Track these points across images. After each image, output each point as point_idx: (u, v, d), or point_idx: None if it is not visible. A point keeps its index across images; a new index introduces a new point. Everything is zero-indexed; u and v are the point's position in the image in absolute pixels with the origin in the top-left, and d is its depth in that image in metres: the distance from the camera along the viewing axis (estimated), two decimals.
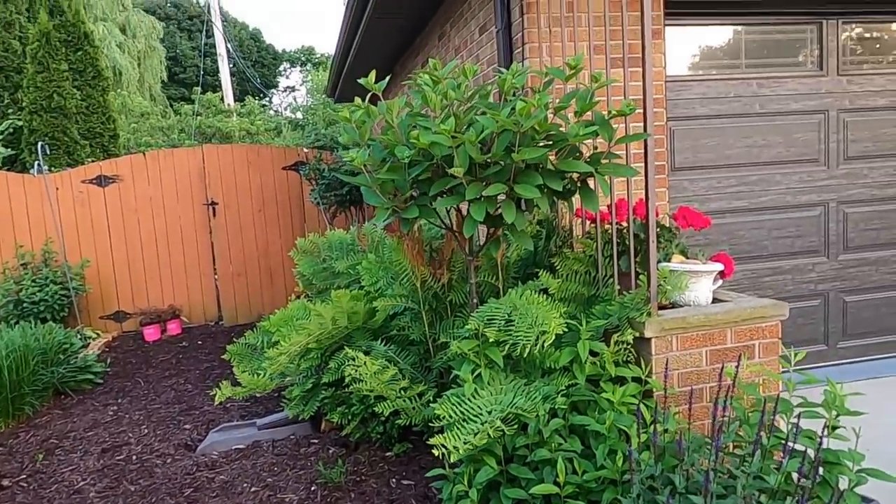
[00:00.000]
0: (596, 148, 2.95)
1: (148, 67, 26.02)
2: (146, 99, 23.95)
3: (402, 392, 2.91)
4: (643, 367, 2.68)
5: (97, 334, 7.05)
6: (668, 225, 3.19)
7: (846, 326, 4.64)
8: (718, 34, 4.31)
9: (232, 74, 27.65)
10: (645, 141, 2.74)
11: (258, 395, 4.30)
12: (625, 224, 3.18)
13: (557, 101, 2.73)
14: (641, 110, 2.87)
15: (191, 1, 31.24)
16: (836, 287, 4.59)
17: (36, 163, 6.76)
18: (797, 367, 2.75)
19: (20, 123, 8.33)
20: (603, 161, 2.69)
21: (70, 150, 8.30)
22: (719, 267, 2.94)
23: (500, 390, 2.56)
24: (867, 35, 4.52)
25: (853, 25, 4.45)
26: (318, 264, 4.18)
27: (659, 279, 2.77)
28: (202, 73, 22.12)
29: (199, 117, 18.28)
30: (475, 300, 3.02)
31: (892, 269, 4.66)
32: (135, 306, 7.44)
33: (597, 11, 3.76)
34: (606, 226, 3.19)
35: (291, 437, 3.86)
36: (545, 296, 3.09)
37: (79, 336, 6.80)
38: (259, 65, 34.08)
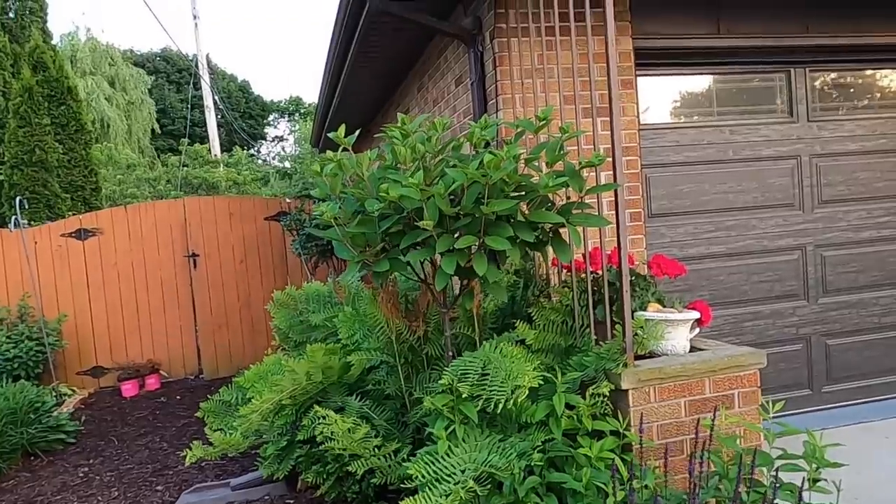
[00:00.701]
0: (569, 198, 2.95)
1: (136, 119, 26.26)
2: (135, 151, 24.06)
3: (377, 450, 2.83)
4: (621, 419, 2.62)
5: (73, 391, 6.88)
6: (643, 273, 3.17)
7: (830, 370, 4.60)
8: (690, 83, 4.39)
9: (220, 126, 27.94)
10: (615, 190, 2.74)
11: (231, 454, 4.18)
12: (601, 272, 3.17)
13: (528, 152, 2.74)
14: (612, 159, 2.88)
15: (179, 54, 31.72)
16: (818, 330, 4.58)
17: (13, 217, 6.71)
18: (781, 414, 2.70)
19: (1, 178, 8.30)
20: (574, 211, 2.69)
21: (51, 204, 8.26)
22: (695, 315, 2.91)
23: (474, 447, 2.49)
24: (836, 82, 4.62)
25: (821, 73, 4.55)
26: (294, 317, 4.12)
27: (635, 328, 2.74)
28: (189, 124, 22.33)
29: (185, 168, 18.33)
30: (451, 353, 2.97)
31: (873, 311, 4.66)
32: (113, 361, 7.29)
33: (567, 64, 3.82)
34: (583, 275, 3.17)
35: (266, 497, 3.73)
36: (523, 347, 3.06)
37: (54, 393, 6.64)
38: (247, 116, 34.48)
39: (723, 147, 4.39)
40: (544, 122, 2.69)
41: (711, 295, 4.39)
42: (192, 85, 23.84)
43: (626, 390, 2.64)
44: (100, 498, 4.08)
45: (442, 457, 2.42)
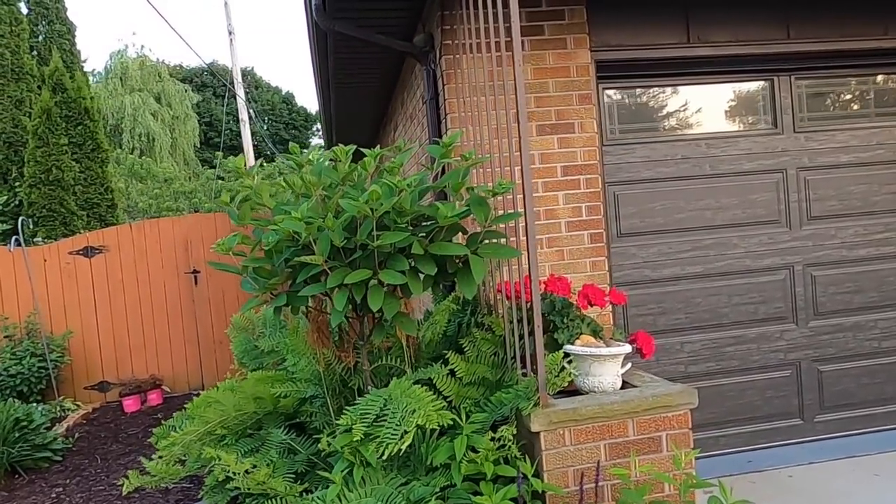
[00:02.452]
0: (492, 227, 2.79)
1: (181, 133, 27.07)
2: (178, 163, 24.81)
3: (287, 488, 2.73)
4: (532, 463, 2.45)
5: (77, 406, 7.03)
6: (574, 302, 2.99)
7: (823, 399, 4.28)
8: (662, 96, 4.16)
9: (263, 139, 28.53)
10: (525, 218, 2.56)
11: (192, 479, 4.15)
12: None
13: (439, 181, 2.61)
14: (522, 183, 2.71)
15: (225, 69, 32.57)
16: (809, 356, 4.26)
17: (13, 237, 6.92)
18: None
19: (20, 197, 8.59)
20: (484, 242, 2.54)
21: (66, 222, 8.50)
22: (625, 349, 2.72)
23: (369, 492, 2.37)
24: (825, 90, 4.31)
25: (808, 81, 4.25)
26: (250, 342, 4.07)
27: (551, 365, 2.56)
28: (223, 137, 22.84)
29: (220, 181, 18.75)
30: (369, 388, 2.85)
31: (871, 335, 4.32)
32: (118, 376, 7.43)
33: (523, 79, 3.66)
34: (519, 302, 3.01)
35: None
36: (453, 379, 2.93)
37: (59, 408, 6.80)
38: (291, 127, 35.13)
39: (699, 161, 4.14)
40: (449, 147, 2.54)
41: (688, 318, 4.14)
42: (226, 98, 24.41)
43: (538, 433, 2.47)
44: None
45: (331, 502, 2.31)
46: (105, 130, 12.63)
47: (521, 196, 2.56)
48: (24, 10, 11.06)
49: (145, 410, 7.01)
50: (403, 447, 2.27)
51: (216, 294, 7.58)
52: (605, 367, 2.67)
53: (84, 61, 12.32)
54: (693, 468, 2.54)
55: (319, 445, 2.51)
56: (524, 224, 2.56)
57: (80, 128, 8.96)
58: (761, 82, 4.19)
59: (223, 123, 24.13)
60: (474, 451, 2.46)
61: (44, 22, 11.36)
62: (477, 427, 2.51)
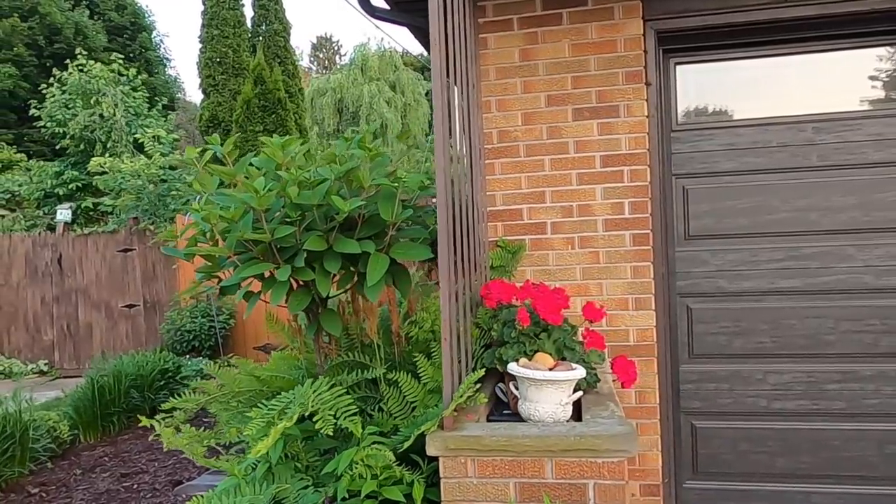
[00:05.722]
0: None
1: (412, 119, 29.03)
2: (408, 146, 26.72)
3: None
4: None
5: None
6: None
7: None
8: (749, 69, 3.40)
9: None
10: (439, 212, 2.26)
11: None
12: (508, 306, 2.68)
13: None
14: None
15: None
16: None
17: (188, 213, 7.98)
18: None
19: None
20: (401, 240, 2.32)
21: None
22: (567, 376, 2.28)
23: (259, 490, 2.33)
24: None
25: None
26: None
27: (472, 383, 2.26)
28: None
29: (426, 163, 19.81)
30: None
31: None
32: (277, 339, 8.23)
33: (555, 58, 3.27)
34: (496, 309, 2.72)
35: None
36: (417, 383, 2.77)
37: (227, 365, 7.76)
38: None
39: (802, 150, 3.33)
40: (350, 141, 2.35)
41: (776, 343, 3.38)
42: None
43: (437, 457, 2.21)
44: (156, 464, 4.70)
45: (223, 494, 2.31)
46: (311, 117, 13.81)
47: (444, 184, 2.27)
48: (250, 13, 12.64)
49: None
50: (263, 450, 2.18)
51: None
52: (542, 392, 2.28)
53: (294, 56, 13.63)
54: None
55: (230, 433, 2.53)
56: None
57: (273, 116, 10.02)
58: (889, 48, 3.21)
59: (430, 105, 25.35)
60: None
61: (265, 23, 12.87)
62: (380, 439, 2.32)
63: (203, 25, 12.33)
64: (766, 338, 3.39)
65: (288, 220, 2.30)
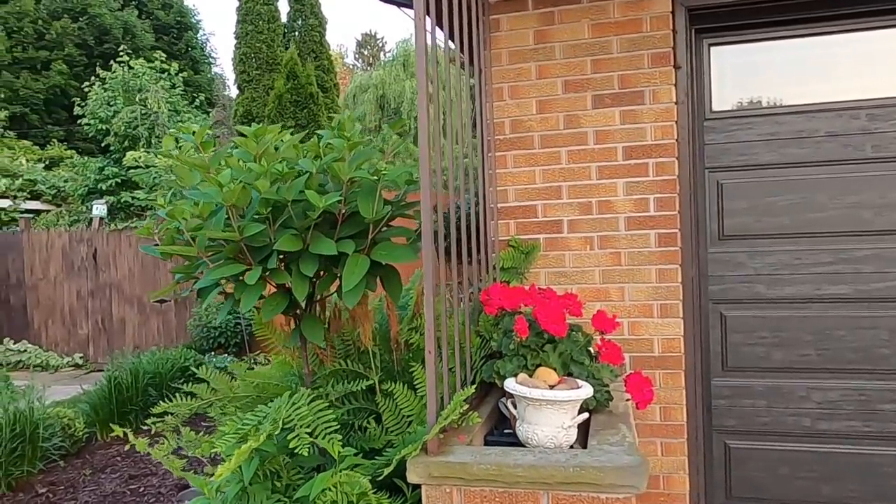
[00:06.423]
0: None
1: (455, 115, 28.85)
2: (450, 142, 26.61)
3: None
4: None
5: (268, 361, 7.84)
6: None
7: None
8: (795, 49, 3.04)
9: None
10: (423, 214, 2.01)
11: None
12: (510, 313, 2.42)
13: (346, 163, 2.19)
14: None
15: None
16: None
17: None
18: None
19: None
20: (381, 241, 2.08)
21: None
22: (573, 394, 2.01)
23: None
24: None
25: None
26: None
27: (462, 403, 2.01)
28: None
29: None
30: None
31: None
32: None
33: (573, 39, 2.98)
34: (499, 317, 2.46)
35: None
36: (413, 394, 2.55)
37: (253, 362, 7.68)
38: None
39: (854, 140, 2.95)
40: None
41: (821, 356, 3.02)
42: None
43: (419, 485, 1.96)
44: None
45: None
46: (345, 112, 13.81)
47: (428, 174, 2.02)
48: (286, 8, 12.56)
49: None
50: (226, 473, 1.97)
51: None
52: (541, 414, 2.01)
53: (329, 50, 13.52)
54: None
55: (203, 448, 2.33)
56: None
57: (304, 111, 9.91)
58: None
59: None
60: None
61: (301, 17, 12.79)
62: (360, 461, 2.09)
63: (238, 21, 12.33)
64: (811, 350, 3.03)
65: (258, 216, 2.09)
